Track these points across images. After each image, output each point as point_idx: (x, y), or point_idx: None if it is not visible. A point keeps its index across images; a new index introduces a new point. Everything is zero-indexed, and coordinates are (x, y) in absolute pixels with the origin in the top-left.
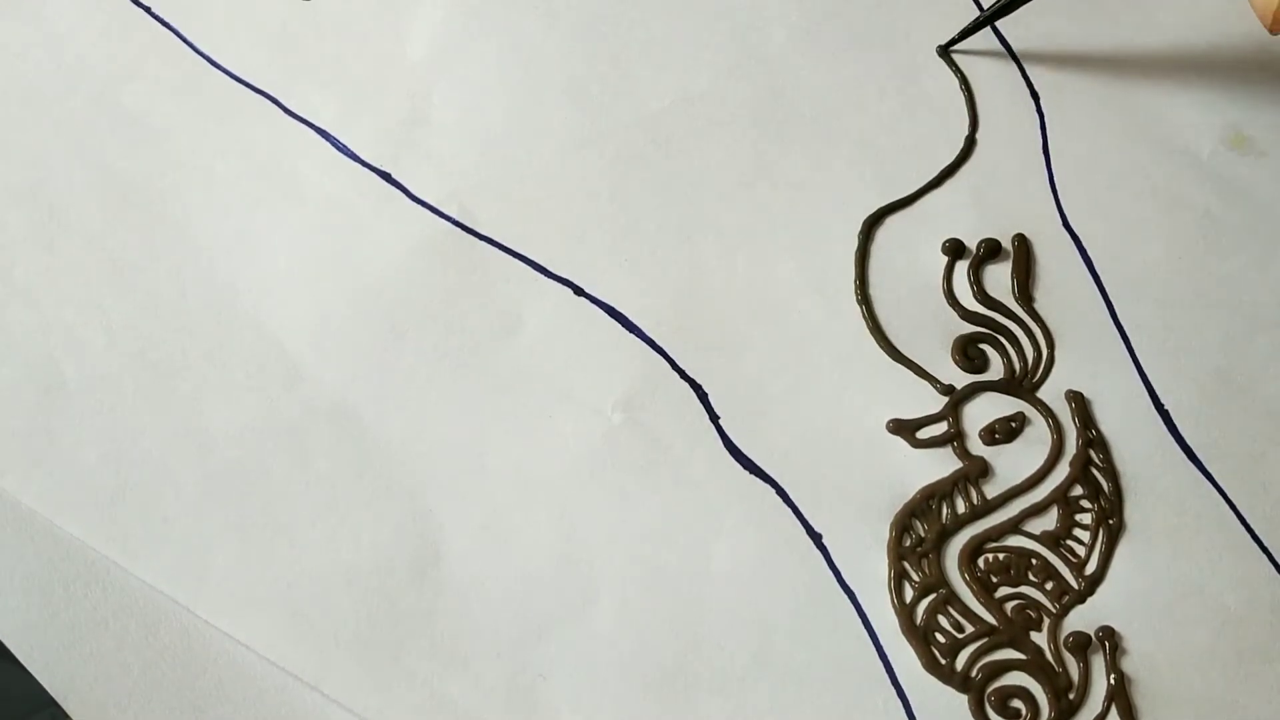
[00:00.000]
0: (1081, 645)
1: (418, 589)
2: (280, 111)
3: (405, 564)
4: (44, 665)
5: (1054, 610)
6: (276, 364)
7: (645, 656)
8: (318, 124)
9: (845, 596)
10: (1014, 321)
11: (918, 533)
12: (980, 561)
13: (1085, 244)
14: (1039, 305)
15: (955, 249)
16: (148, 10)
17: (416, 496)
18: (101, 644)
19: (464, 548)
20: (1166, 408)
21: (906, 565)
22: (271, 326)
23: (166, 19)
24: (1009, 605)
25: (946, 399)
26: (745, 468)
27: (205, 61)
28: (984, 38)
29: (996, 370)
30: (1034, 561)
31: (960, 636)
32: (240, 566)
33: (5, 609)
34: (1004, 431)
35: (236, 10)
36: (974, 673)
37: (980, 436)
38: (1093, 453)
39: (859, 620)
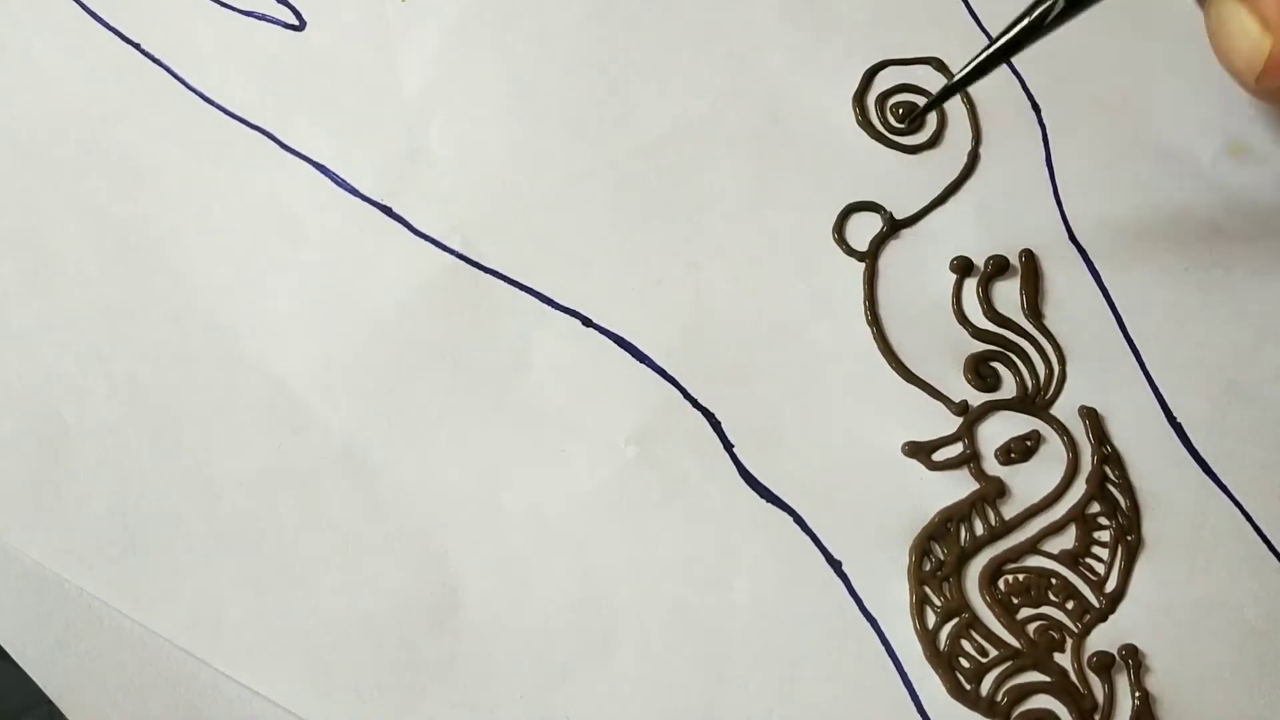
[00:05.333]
0: (1105, 665)
1: (437, 634)
2: (276, 147)
3: (424, 609)
4: (38, 663)
5: (1076, 630)
6: (283, 408)
7: (670, 694)
8: (315, 159)
9: (868, 624)
10: (1024, 338)
11: (937, 556)
12: (1000, 583)
13: (1092, 257)
14: (1049, 321)
15: (963, 266)
16: (137, 47)
17: (432, 539)
18: (96, 642)
19: (482, 590)
20: (1179, 420)
21: (927, 590)
22: (276, 369)
23: (157, 56)
24: (1031, 627)
25: (961, 419)
26: (762, 496)
27: (198, 98)
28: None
29: (1009, 388)
30: (1054, 581)
31: (984, 661)
32: (256, 617)
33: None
34: (1019, 450)
35: (227, 45)
36: (999, 697)
37: (996, 456)
38: (1108, 469)
39: (882, 648)
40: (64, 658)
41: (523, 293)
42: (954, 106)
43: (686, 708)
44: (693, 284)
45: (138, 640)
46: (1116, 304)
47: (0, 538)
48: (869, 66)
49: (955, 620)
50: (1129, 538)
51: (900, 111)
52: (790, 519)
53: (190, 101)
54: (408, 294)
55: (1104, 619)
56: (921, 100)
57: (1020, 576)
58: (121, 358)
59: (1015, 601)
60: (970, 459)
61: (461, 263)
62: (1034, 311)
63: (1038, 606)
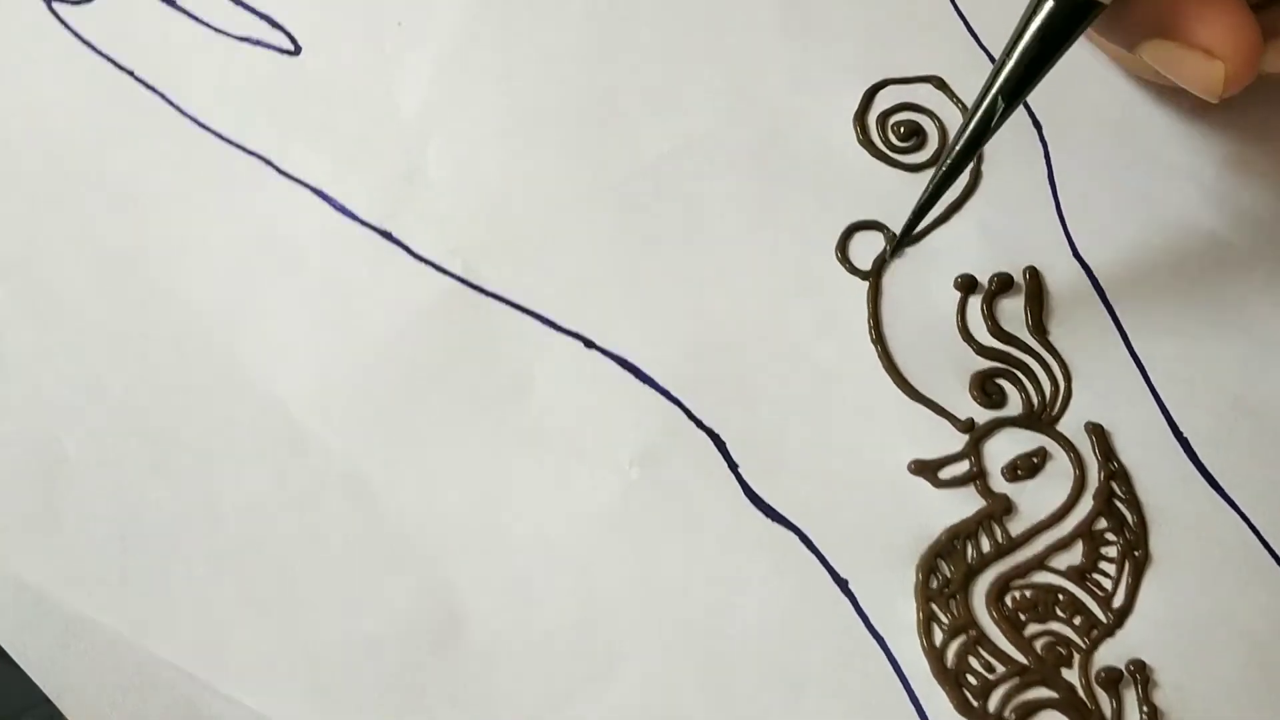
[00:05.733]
0: (1113, 680)
1: (441, 658)
2: (273, 173)
3: (427, 633)
4: (38, 663)
5: (1084, 646)
6: (283, 433)
7: (676, 715)
8: (313, 184)
9: (874, 643)
10: (1030, 355)
11: (944, 574)
12: (1008, 600)
13: (1096, 273)
14: (1054, 337)
15: (968, 284)
16: (131, 74)
17: (435, 563)
18: (95, 642)
19: (486, 614)
20: (1185, 435)
21: (935, 608)
22: (276, 394)
23: (151, 82)
24: (1039, 643)
25: (967, 437)
26: (767, 515)
27: (193, 124)
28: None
29: (1015, 405)
30: (1061, 597)
31: (992, 677)
32: (259, 642)
33: None
34: (1026, 467)
35: (223, 70)
36: (1007, 713)
37: (1002, 474)
38: (1115, 485)
39: (889, 666)
40: (63, 658)
41: (524, 315)
42: (956, 124)
43: None
44: (695, 304)
45: (137, 641)
46: (1121, 319)
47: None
48: (869, 86)
49: (962, 637)
50: (1136, 553)
51: (901, 130)
52: (796, 538)
53: (186, 127)
54: (408, 318)
55: (1111, 634)
56: (923, 119)
57: (1027, 593)
58: (120, 384)
59: (1023, 618)
60: (977, 476)
61: (462, 286)
62: (1039, 328)
63: (1045, 623)
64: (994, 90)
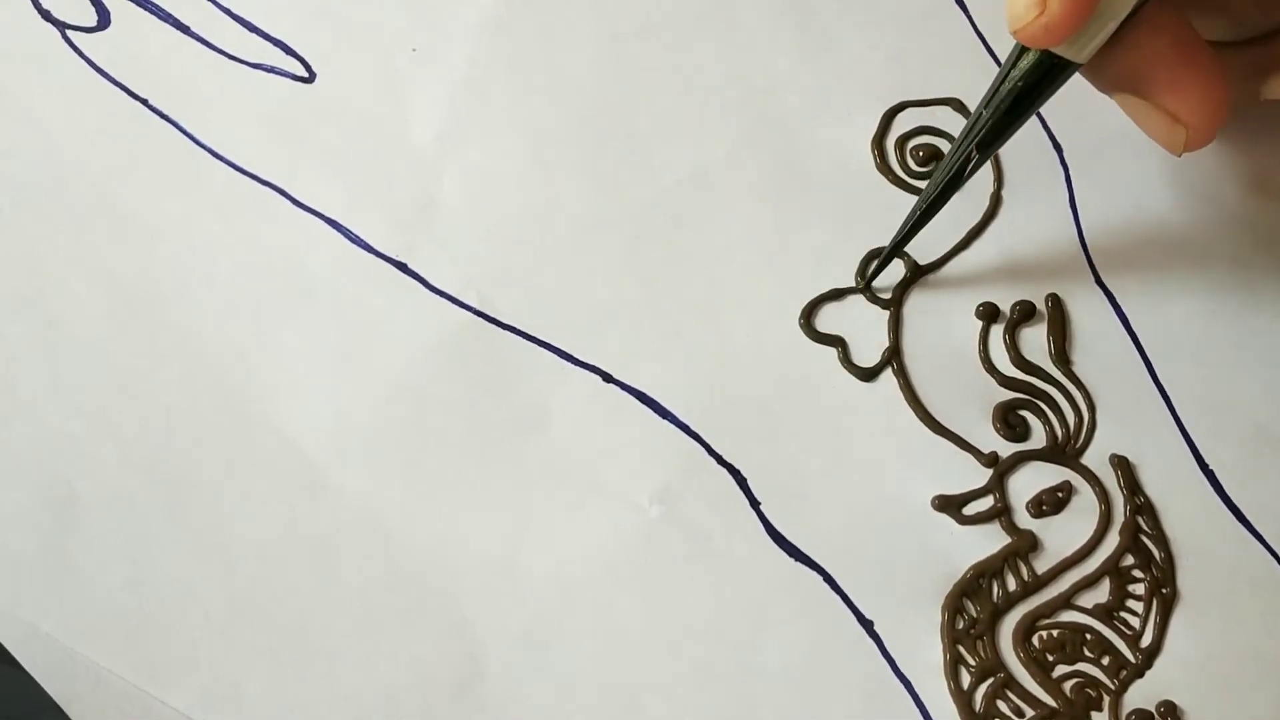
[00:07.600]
0: None
1: (460, 706)
2: (286, 203)
3: (446, 680)
4: (46, 669)
5: (1113, 687)
6: (298, 472)
7: None
8: (327, 214)
9: (901, 686)
10: (1053, 385)
11: (970, 613)
12: (1035, 640)
13: (1119, 300)
14: (1077, 367)
15: (989, 313)
16: (144, 103)
17: (452, 606)
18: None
19: (504, 657)
20: (1211, 468)
21: (961, 649)
22: (290, 432)
23: (165, 110)
24: (1068, 685)
25: (991, 471)
26: (790, 554)
27: (206, 153)
28: None
29: (1039, 438)
30: (1089, 637)
31: None
32: (275, 691)
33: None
34: (1051, 502)
35: (236, 98)
36: None
37: (1027, 509)
38: (1141, 520)
39: (917, 710)
40: (72, 664)
41: (541, 349)
42: None
43: None
44: (714, 336)
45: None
46: (1145, 348)
47: (12, 612)
48: (887, 109)
49: (991, 680)
50: (1164, 590)
51: (920, 155)
52: (820, 578)
53: (199, 157)
54: (424, 352)
55: (1140, 675)
56: (942, 143)
57: (1055, 632)
58: (131, 422)
59: (1050, 659)
60: (1001, 512)
61: (478, 319)
62: (1062, 358)
63: (1073, 663)
64: (971, 140)
